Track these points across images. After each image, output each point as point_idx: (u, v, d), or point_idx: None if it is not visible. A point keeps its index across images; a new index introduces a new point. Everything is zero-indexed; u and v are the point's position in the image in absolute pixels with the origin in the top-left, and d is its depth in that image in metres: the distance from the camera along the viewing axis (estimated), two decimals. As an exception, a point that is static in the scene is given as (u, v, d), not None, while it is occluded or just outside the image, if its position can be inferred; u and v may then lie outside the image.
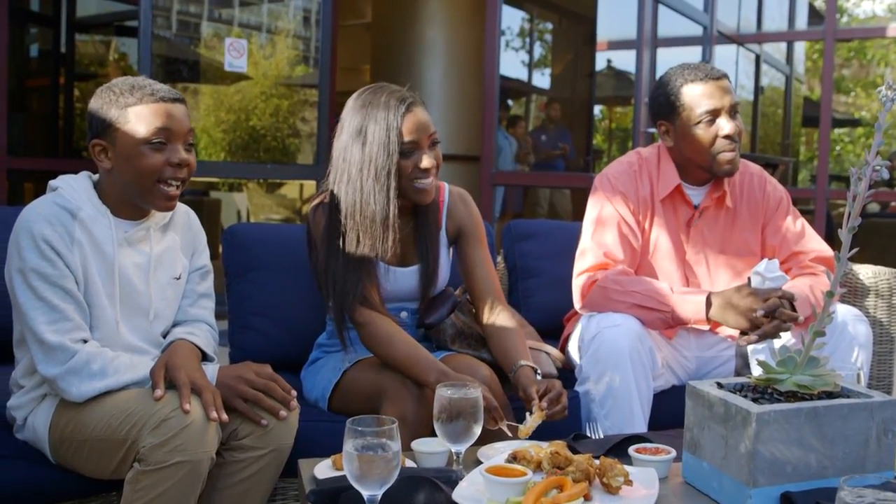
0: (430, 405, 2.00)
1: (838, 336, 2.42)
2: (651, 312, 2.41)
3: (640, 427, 2.35)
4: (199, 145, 13.17)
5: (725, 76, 2.57)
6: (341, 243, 2.19)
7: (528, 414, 1.98)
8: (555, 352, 2.57)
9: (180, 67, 8.38)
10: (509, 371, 2.18)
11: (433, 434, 1.89)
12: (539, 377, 2.13)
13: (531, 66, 11.07)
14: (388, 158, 2.14)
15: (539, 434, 1.96)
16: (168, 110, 1.92)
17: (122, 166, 1.92)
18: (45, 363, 1.84)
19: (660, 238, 2.63)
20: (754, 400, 1.57)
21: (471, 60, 7.51)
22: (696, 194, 2.65)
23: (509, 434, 1.94)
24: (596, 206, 2.63)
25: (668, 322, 2.43)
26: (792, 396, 1.59)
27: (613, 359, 2.35)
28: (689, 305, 2.39)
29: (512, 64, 10.86)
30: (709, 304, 2.36)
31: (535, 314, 2.89)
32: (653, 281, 2.49)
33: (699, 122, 2.51)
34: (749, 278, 2.36)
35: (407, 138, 2.14)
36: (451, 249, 2.44)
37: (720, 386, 1.66)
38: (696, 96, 2.52)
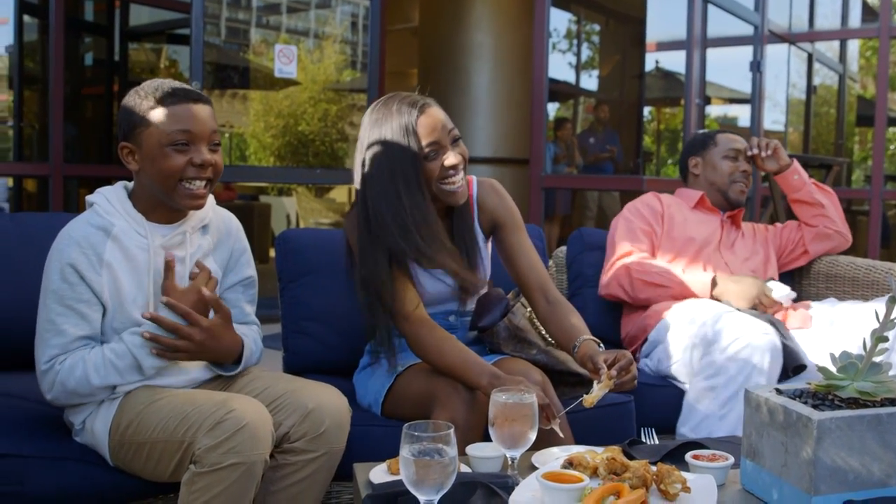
0: (481, 409, 1.99)
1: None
2: (663, 289, 2.80)
3: None
4: (249, 150, 13.32)
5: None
6: (379, 254, 2.16)
7: (595, 383, 1.96)
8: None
9: (230, 74, 8.48)
10: (571, 347, 2.14)
11: (485, 438, 1.89)
12: (602, 349, 2.10)
13: (579, 67, 11.02)
14: (414, 165, 2.11)
15: (594, 439, 1.95)
16: (191, 111, 1.94)
17: (147, 168, 1.96)
18: (43, 388, 1.93)
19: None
20: (815, 406, 1.54)
21: (518, 63, 7.50)
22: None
23: (561, 435, 1.92)
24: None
25: (676, 296, 2.80)
26: (853, 403, 1.56)
27: (753, 365, 2.42)
28: (696, 285, 2.79)
29: (559, 66, 10.82)
30: (713, 283, 2.79)
31: (593, 322, 2.89)
32: (666, 264, 2.86)
33: (725, 157, 3.09)
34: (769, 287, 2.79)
35: (426, 140, 2.11)
36: (489, 243, 2.41)
37: (779, 392, 1.64)
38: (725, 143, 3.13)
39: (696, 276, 2.81)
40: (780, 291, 2.78)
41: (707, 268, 2.94)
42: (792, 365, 2.55)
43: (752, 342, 2.43)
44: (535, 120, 5.73)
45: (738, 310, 2.67)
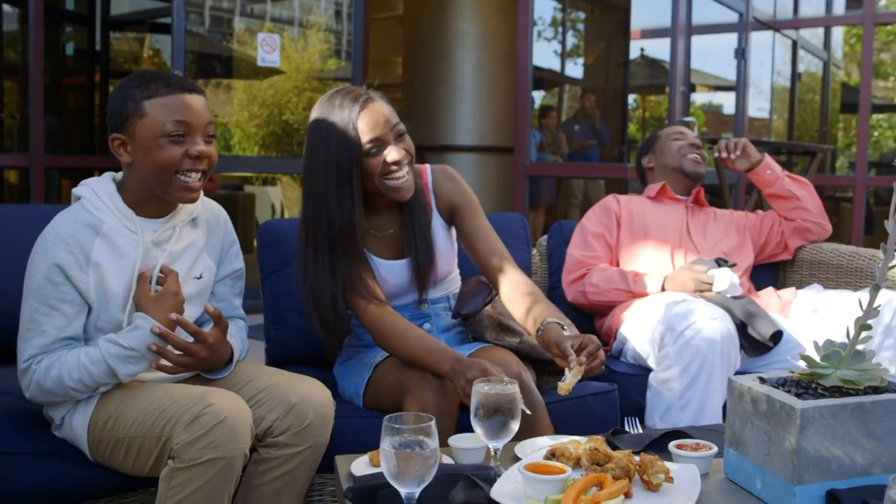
0: (451, 397, 1.99)
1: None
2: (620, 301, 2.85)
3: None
4: (233, 140, 13.26)
5: None
6: (318, 255, 2.15)
7: (567, 370, 1.95)
8: None
9: (213, 63, 8.43)
10: (536, 331, 2.13)
11: (458, 427, 1.87)
12: (566, 332, 2.08)
13: (564, 55, 10.99)
14: (350, 161, 2.08)
15: (578, 429, 1.94)
16: (186, 101, 1.90)
17: (141, 159, 1.90)
18: (22, 386, 1.90)
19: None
20: (798, 395, 1.53)
21: (503, 51, 7.47)
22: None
23: (529, 413, 1.90)
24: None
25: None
26: (837, 392, 1.55)
27: (704, 351, 2.40)
28: (648, 288, 2.81)
29: (544, 54, 10.79)
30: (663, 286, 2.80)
31: (572, 314, 2.87)
32: (621, 274, 2.85)
33: (672, 140, 3.14)
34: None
35: (368, 136, 2.09)
36: (452, 230, 2.38)
37: (763, 381, 1.63)
38: None
39: (647, 285, 2.81)
40: (721, 283, 2.72)
41: (674, 253, 2.94)
42: (769, 334, 2.56)
43: (702, 330, 2.42)
44: (519, 108, 5.72)
45: (703, 295, 2.68)
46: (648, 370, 2.62)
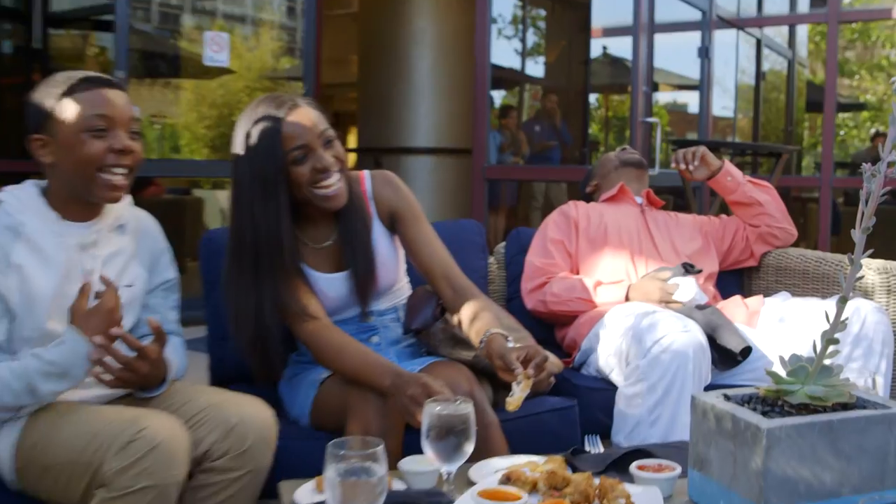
0: (395, 415, 1.90)
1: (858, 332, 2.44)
2: (582, 311, 2.75)
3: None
4: (182, 142, 13.07)
5: None
6: (242, 273, 2.08)
7: (514, 384, 1.87)
8: (553, 357, 2.46)
9: (159, 62, 8.27)
10: (479, 342, 2.05)
11: (405, 447, 1.83)
12: (511, 345, 1.99)
13: (524, 54, 10.97)
14: (276, 171, 2.01)
15: (536, 448, 1.87)
16: (106, 96, 1.86)
17: (62, 158, 1.85)
18: None
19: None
20: (764, 413, 1.47)
21: (461, 50, 7.39)
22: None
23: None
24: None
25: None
26: (804, 409, 1.49)
27: (676, 365, 2.32)
28: (610, 298, 2.72)
29: (505, 52, 10.74)
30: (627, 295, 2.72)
31: (532, 324, 2.79)
32: (582, 283, 2.76)
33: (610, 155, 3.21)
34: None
35: (293, 144, 2.01)
36: (396, 238, 2.29)
37: (727, 398, 1.56)
38: None
39: (610, 294, 2.74)
40: (686, 294, 2.63)
41: (635, 258, 2.88)
42: (736, 349, 2.48)
43: (673, 343, 2.33)
44: (477, 108, 5.65)
45: (669, 306, 2.59)
46: (611, 383, 2.54)
